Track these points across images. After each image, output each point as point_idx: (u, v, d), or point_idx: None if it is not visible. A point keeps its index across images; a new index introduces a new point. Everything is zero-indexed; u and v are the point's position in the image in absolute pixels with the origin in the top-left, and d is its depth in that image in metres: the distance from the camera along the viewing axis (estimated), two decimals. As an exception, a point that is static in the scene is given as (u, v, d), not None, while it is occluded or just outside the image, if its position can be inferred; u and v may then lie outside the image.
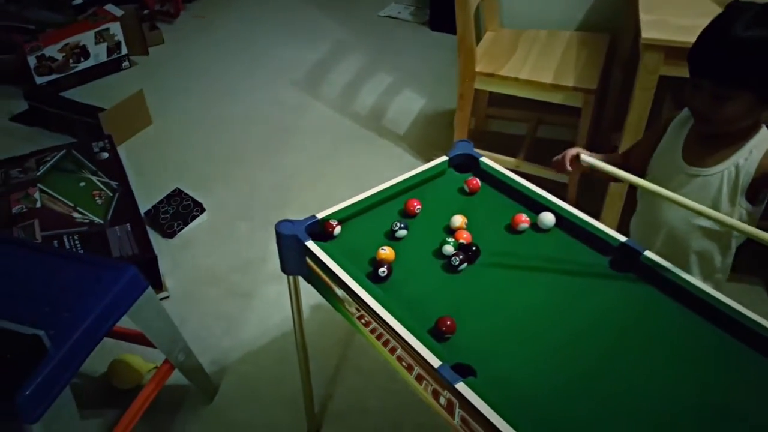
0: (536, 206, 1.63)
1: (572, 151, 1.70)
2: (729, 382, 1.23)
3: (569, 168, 1.71)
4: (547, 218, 1.58)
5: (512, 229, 1.59)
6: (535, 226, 1.59)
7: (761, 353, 1.26)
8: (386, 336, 1.34)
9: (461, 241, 1.52)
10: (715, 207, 1.54)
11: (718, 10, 1.46)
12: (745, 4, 1.42)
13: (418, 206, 1.64)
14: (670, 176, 1.64)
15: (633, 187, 1.56)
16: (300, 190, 3.20)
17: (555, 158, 1.75)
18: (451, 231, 1.58)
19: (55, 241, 2.52)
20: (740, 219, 1.56)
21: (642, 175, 1.63)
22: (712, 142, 1.57)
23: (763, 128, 1.54)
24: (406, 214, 1.64)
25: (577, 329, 1.35)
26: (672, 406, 1.19)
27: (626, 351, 1.30)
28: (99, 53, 4.16)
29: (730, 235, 1.63)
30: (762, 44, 1.37)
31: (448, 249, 1.50)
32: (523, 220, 1.57)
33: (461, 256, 1.47)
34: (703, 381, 1.23)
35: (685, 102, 1.58)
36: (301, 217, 1.58)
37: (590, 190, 2.80)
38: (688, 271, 1.57)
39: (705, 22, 1.47)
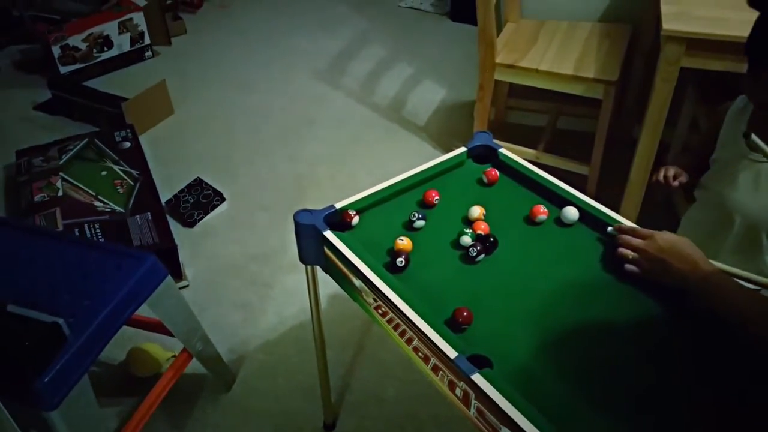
0: (555, 198, 1.62)
1: (671, 170, 1.78)
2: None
3: (675, 185, 1.77)
4: (570, 213, 1.56)
5: (530, 220, 1.58)
6: (554, 218, 1.58)
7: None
8: (403, 326, 1.34)
9: (479, 232, 1.52)
10: None
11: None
12: None
13: (437, 197, 1.63)
14: (735, 165, 1.63)
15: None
16: (320, 180, 3.20)
17: (655, 178, 1.81)
18: (469, 222, 1.57)
19: (77, 230, 2.55)
20: None
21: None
22: None
23: None
24: (425, 205, 1.63)
25: (596, 321, 1.34)
26: (691, 399, 1.18)
27: (645, 346, 1.29)
28: (122, 43, 4.19)
29: None
30: None
31: (466, 240, 1.49)
32: (542, 211, 1.56)
33: (479, 247, 1.46)
34: (721, 376, 1.22)
35: (747, 94, 1.57)
36: (321, 207, 1.58)
37: (609, 183, 2.79)
38: (761, 254, 1.64)
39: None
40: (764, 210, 1.62)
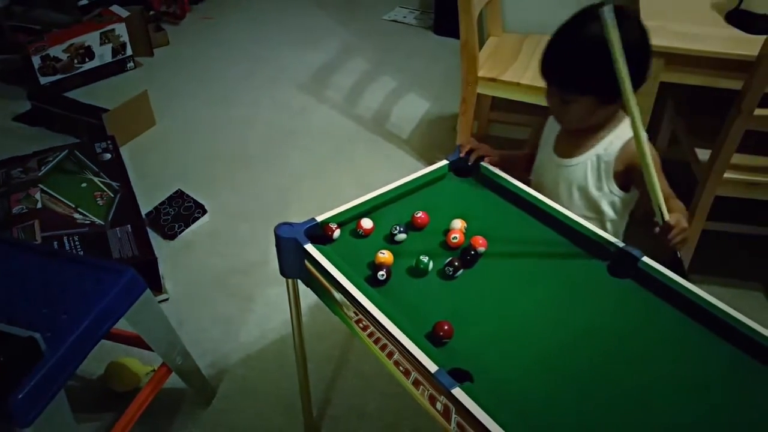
0: (535, 211, 1.63)
1: (479, 148, 1.82)
2: (726, 389, 1.23)
3: (471, 159, 1.81)
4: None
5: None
6: (535, 233, 1.58)
7: (758, 360, 1.25)
8: (384, 340, 1.33)
9: (456, 242, 1.54)
10: (584, 193, 1.71)
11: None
12: (589, 11, 1.54)
13: (426, 220, 1.61)
14: (547, 167, 1.82)
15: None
16: (303, 193, 3.20)
17: (461, 144, 1.86)
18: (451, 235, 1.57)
19: (55, 242, 2.52)
20: (613, 205, 1.73)
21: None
22: (576, 136, 1.71)
23: (624, 119, 1.66)
24: (413, 227, 1.62)
25: (576, 335, 1.34)
26: (670, 413, 1.18)
27: (624, 357, 1.29)
28: (104, 54, 4.16)
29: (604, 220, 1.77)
30: (591, 52, 1.47)
31: (425, 260, 1.48)
32: (480, 243, 1.53)
33: (456, 263, 1.46)
34: (701, 387, 1.22)
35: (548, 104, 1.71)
36: (304, 219, 1.57)
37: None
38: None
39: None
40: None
